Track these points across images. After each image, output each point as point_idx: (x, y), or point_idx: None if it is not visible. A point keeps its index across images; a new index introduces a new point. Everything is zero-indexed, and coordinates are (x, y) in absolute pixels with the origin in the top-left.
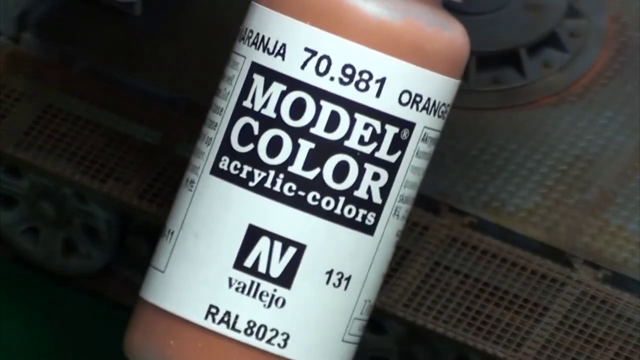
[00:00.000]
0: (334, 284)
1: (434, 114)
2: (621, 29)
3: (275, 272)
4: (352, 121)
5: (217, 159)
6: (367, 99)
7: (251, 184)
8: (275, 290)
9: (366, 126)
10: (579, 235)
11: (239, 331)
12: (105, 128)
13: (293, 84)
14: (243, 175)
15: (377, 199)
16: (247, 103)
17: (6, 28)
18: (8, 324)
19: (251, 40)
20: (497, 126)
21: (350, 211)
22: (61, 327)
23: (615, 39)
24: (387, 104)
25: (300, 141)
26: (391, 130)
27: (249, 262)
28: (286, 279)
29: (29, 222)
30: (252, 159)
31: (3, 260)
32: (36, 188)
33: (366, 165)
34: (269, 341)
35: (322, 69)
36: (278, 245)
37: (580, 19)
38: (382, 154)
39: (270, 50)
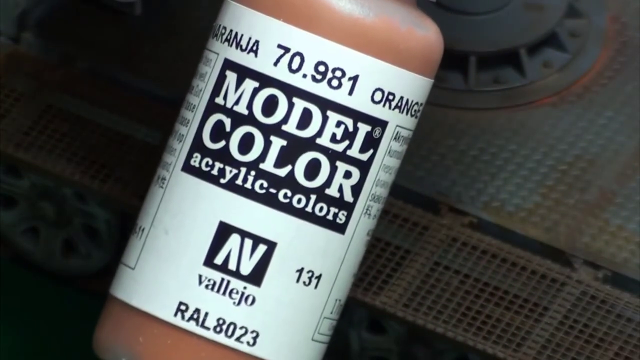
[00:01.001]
0: (304, 283)
1: (407, 113)
2: (621, 29)
3: (246, 269)
4: (325, 119)
5: (189, 156)
6: (339, 96)
7: (222, 180)
8: (245, 287)
9: (338, 124)
10: (579, 235)
11: (208, 328)
12: (105, 128)
13: (266, 80)
14: (214, 172)
15: (348, 197)
16: (219, 100)
17: (6, 28)
18: (8, 324)
19: (224, 37)
20: (497, 126)
21: (321, 209)
22: (61, 327)
23: (615, 39)
24: (360, 101)
25: (272, 138)
26: (363, 128)
27: (219, 260)
28: (256, 277)
29: (29, 222)
30: (223, 155)
31: (3, 260)
32: (36, 188)
33: (338, 163)
34: (238, 339)
35: (295, 65)
36: (249, 242)
37: (580, 19)
38: (354, 152)
39: (243, 47)
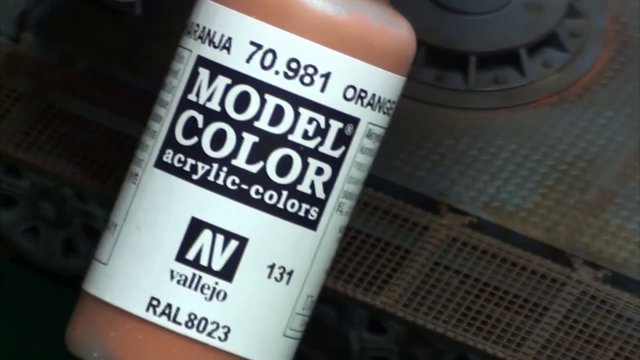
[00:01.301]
0: (275, 278)
1: (379, 110)
2: (621, 29)
3: (217, 265)
4: (296, 115)
5: (161, 152)
6: (311, 93)
7: (194, 177)
8: (216, 283)
9: (310, 120)
10: (579, 235)
11: (179, 324)
12: (105, 128)
13: (238, 77)
14: (187, 168)
15: (320, 193)
16: (192, 96)
17: (6, 28)
18: (8, 324)
19: (197, 34)
20: (497, 126)
21: (293, 205)
22: (61, 327)
23: (615, 39)
24: (332, 98)
25: (244, 135)
26: (335, 125)
27: (191, 255)
28: (228, 272)
29: (29, 222)
30: (196, 152)
31: (3, 260)
32: (36, 188)
33: (310, 159)
34: (209, 334)
35: (267, 62)
36: (220, 238)
37: (580, 19)
38: (325, 148)
39: (216, 44)
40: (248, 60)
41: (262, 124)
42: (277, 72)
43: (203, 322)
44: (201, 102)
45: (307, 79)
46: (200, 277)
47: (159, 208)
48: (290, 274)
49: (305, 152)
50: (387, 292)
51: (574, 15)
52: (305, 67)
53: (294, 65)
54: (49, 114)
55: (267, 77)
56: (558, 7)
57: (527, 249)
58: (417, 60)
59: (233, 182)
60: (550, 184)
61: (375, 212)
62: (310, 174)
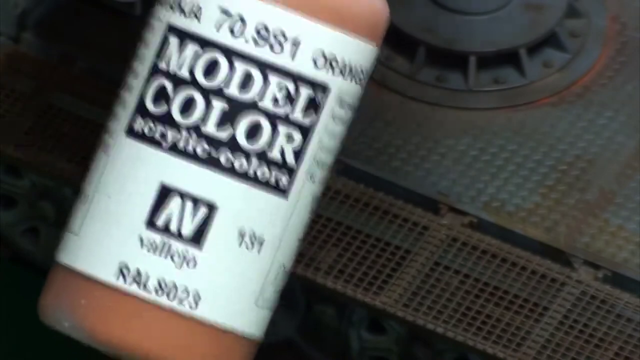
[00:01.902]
0: (246, 246)
1: (350, 79)
2: (621, 29)
3: (187, 231)
4: (266, 82)
5: (132, 121)
6: (281, 59)
7: (164, 144)
8: (186, 250)
9: (280, 87)
10: (579, 235)
11: (149, 291)
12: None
13: (207, 44)
14: (157, 135)
15: (291, 161)
16: (161, 64)
17: (6, 28)
18: (8, 324)
19: (168, 3)
20: (497, 126)
21: (263, 173)
22: None
23: (615, 39)
24: (302, 65)
25: (214, 101)
26: (305, 92)
27: (160, 222)
28: (197, 239)
29: (29, 222)
30: (165, 119)
31: (3, 260)
32: (36, 188)
33: (279, 126)
34: (180, 301)
35: (236, 29)
36: (189, 204)
37: (580, 19)
38: (296, 116)
39: (186, 12)
40: (217, 28)
41: (232, 90)
42: (246, 39)
43: (173, 290)
44: (171, 70)
45: (276, 46)
46: (170, 244)
47: (129, 175)
48: (261, 242)
49: (274, 119)
50: (387, 292)
51: (574, 15)
52: (275, 34)
53: (263, 32)
54: (49, 114)
55: (237, 43)
56: (558, 7)
57: (527, 249)
58: (417, 60)
59: (202, 149)
60: (550, 184)
61: (376, 212)
62: (280, 141)
